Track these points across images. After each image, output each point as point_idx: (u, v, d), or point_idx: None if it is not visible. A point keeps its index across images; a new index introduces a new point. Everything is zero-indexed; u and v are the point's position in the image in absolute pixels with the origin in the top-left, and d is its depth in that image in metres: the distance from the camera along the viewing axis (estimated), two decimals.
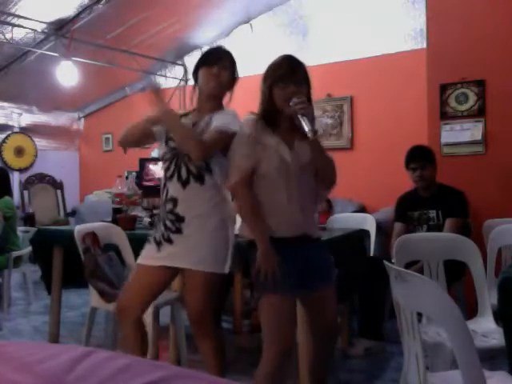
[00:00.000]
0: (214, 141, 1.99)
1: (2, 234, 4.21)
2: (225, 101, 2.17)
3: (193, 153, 1.99)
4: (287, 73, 1.89)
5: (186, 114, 2.20)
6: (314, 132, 1.85)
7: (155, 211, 2.24)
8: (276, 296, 1.88)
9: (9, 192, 4.54)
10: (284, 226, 1.94)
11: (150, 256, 2.13)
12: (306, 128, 1.84)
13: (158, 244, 2.11)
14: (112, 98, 7.76)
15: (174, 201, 2.08)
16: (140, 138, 2.24)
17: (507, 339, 1.66)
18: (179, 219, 2.08)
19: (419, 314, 1.83)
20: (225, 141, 1.99)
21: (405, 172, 3.46)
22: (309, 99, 1.95)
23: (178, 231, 2.08)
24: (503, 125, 3.67)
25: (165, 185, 2.14)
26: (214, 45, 6.70)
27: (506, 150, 3.66)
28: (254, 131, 1.92)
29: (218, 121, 2.02)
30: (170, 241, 2.09)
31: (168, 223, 2.10)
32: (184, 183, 2.07)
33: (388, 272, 1.60)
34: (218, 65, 2.08)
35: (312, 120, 1.87)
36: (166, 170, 2.12)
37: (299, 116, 1.85)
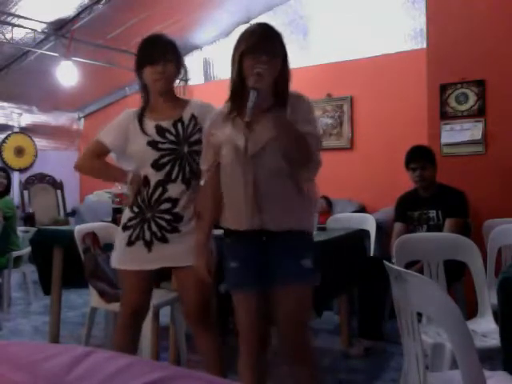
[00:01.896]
0: None
1: (2, 234, 4.22)
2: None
3: None
4: (260, 41, 1.74)
5: (141, 114, 2.11)
6: (250, 114, 1.67)
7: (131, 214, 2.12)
8: (239, 293, 1.87)
9: (8, 192, 4.57)
10: (240, 219, 1.82)
11: (140, 259, 2.07)
12: (249, 105, 1.66)
13: (149, 245, 2.06)
14: (112, 98, 7.75)
15: (174, 201, 2.05)
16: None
17: (506, 339, 1.66)
18: (178, 219, 2.05)
19: (419, 314, 1.83)
20: None
21: (405, 172, 3.45)
22: (284, 74, 1.80)
23: (175, 230, 2.05)
24: (503, 125, 3.67)
25: (160, 186, 2.04)
26: (214, 45, 6.76)
27: (506, 150, 3.66)
28: (211, 124, 1.89)
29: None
30: (165, 240, 2.05)
31: (162, 223, 2.04)
32: (188, 184, 2.06)
33: (388, 272, 1.60)
34: (163, 61, 2.03)
35: (264, 97, 1.71)
36: (169, 173, 2.03)
37: (250, 90, 1.68)
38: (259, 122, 1.77)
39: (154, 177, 2.05)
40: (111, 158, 2.21)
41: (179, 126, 2.07)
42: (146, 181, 2.06)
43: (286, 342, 1.87)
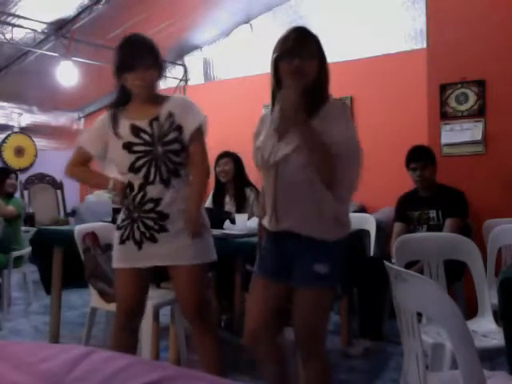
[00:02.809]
0: (204, 152, 2.10)
1: (3, 234, 4.24)
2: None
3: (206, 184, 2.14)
4: (293, 45, 1.74)
5: (115, 115, 2.10)
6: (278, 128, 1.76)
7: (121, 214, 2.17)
8: (257, 276, 1.96)
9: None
10: (267, 219, 1.89)
11: (131, 257, 2.09)
12: (274, 114, 1.76)
13: (139, 243, 2.07)
14: (112, 98, 7.74)
15: (156, 201, 2.03)
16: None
17: (507, 339, 1.66)
18: (163, 217, 2.04)
19: (419, 314, 1.83)
20: (204, 135, 2.10)
21: (405, 172, 3.46)
22: (321, 74, 1.77)
23: (163, 229, 2.04)
24: (503, 125, 3.67)
25: (142, 189, 2.04)
26: (214, 45, 6.75)
27: (506, 150, 3.66)
28: (256, 127, 1.95)
29: (189, 120, 2.05)
30: (153, 240, 2.05)
31: (149, 222, 2.04)
32: (167, 183, 2.04)
33: (388, 272, 1.60)
34: (142, 67, 1.98)
35: (288, 116, 1.68)
36: (146, 175, 2.02)
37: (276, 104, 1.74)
38: (290, 130, 1.75)
39: (135, 180, 2.05)
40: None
41: (155, 124, 2.03)
42: (130, 184, 2.07)
43: (297, 343, 1.89)
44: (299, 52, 1.73)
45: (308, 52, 1.75)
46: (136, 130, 2.03)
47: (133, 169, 2.03)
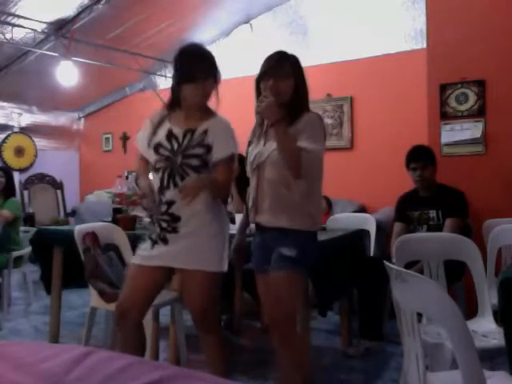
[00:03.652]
0: (226, 179, 2.09)
1: (3, 234, 4.23)
2: (213, 103, 2.15)
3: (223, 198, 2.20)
4: (270, 67, 2.04)
5: (162, 120, 2.14)
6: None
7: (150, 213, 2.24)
8: (255, 271, 2.23)
9: (14, 192, 4.61)
10: (250, 213, 2.17)
11: (144, 255, 2.14)
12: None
13: (154, 243, 2.12)
14: (112, 98, 7.75)
15: (170, 203, 2.07)
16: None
17: (507, 339, 1.66)
18: (175, 219, 2.07)
19: (419, 314, 1.83)
20: (233, 164, 2.11)
21: (405, 172, 3.46)
22: (297, 92, 2.06)
23: (174, 231, 2.07)
24: (503, 125, 3.67)
25: (160, 190, 2.09)
26: (214, 45, 6.76)
27: (506, 150, 3.66)
28: (249, 138, 2.24)
29: (220, 146, 2.06)
30: (165, 240, 2.09)
31: (163, 224, 2.09)
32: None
33: (388, 272, 1.60)
34: (202, 78, 2.03)
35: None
36: (162, 179, 2.08)
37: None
38: (271, 139, 2.07)
39: (156, 180, 2.11)
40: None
41: (188, 136, 2.07)
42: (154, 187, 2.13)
43: (270, 326, 2.12)
44: (273, 74, 2.03)
45: (282, 73, 2.03)
46: (170, 136, 2.09)
47: (155, 168, 2.12)
